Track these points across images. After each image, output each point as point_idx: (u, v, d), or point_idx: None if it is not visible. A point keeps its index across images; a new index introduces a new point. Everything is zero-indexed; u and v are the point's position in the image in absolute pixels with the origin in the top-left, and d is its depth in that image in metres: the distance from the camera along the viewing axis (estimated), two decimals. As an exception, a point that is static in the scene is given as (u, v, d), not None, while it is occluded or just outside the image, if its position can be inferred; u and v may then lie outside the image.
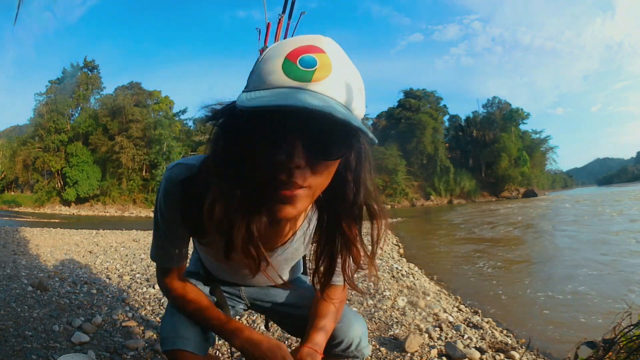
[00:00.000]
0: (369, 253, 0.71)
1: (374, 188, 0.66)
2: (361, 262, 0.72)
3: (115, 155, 32.03)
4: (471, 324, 2.51)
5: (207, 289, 0.95)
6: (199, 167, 0.68)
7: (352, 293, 2.54)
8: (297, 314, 0.97)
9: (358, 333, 0.92)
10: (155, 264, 0.85)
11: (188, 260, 0.94)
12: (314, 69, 0.50)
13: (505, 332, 2.60)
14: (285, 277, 0.93)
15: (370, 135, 0.50)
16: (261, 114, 0.50)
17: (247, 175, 0.56)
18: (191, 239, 0.80)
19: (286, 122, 0.50)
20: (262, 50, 1.13)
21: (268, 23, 0.92)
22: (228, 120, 0.58)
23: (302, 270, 1.06)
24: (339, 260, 0.73)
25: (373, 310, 2.54)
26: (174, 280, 0.84)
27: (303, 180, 0.53)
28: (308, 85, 0.50)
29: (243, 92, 0.53)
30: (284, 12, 0.92)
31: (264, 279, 0.84)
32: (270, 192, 0.55)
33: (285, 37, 1.13)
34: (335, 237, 0.70)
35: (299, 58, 0.51)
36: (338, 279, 0.80)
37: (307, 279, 1.00)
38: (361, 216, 0.68)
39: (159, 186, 0.73)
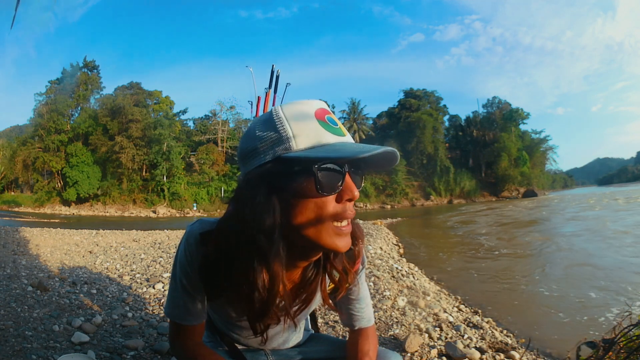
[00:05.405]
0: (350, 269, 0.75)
1: None
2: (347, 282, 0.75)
3: (115, 155, 31.99)
4: (471, 324, 2.51)
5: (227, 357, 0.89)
6: (218, 223, 0.69)
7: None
8: None
9: None
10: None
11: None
12: (338, 126, 0.63)
13: (505, 332, 2.60)
14: (299, 327, 0.94)
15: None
16: (313, 162, 0.57)
17: (294, 219, 0.60)
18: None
19: (343, 166, 0.59)
20: None
21: (258, 97, 1.06)
22: (274, 172, 0.60)
23: (310, 329, 1.07)
24: (358, 305, 0.88)
25: (373, 310, 2.54)
26: (189, 340, 0.76)
27: (353, 213, 0.62)
28: (346, 138, 0.62)
29: (289, 151, 0.58)
30: (270, 87, 1.05)
31: (281, 337, 0.89)
32: (331, 229, 0.60)
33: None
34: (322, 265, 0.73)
35: (326, 117, 0.62)
36: (368, 322, 0.90)
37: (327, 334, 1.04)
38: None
39: (180, 240, 0.74)
